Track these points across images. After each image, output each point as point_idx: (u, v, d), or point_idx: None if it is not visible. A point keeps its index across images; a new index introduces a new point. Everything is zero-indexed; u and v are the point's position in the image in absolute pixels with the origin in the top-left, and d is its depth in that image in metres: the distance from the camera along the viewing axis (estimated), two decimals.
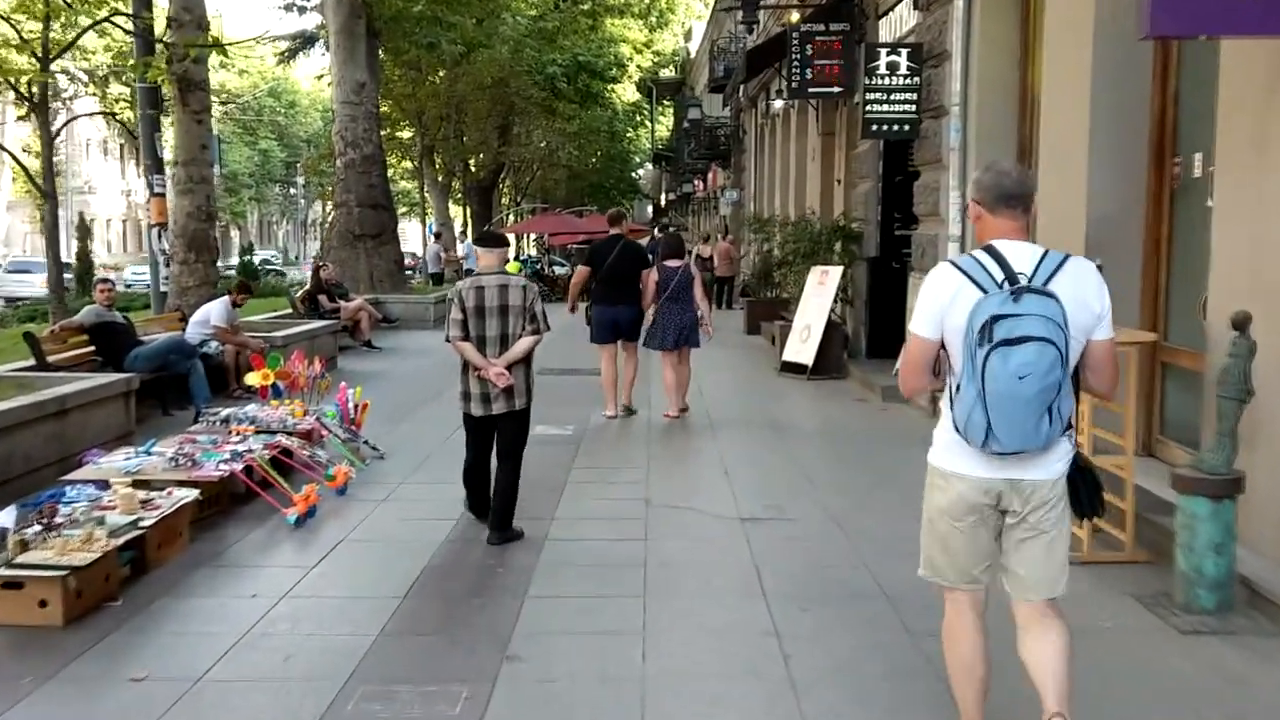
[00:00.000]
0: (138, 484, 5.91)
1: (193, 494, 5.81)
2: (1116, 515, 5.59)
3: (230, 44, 13.73)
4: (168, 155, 17.07)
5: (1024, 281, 2.97)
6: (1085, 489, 3.18)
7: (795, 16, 16.18)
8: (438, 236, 31.42)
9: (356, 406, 8.43)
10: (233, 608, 4.86)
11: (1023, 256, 3.04)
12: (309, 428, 7.70)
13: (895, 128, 10.16)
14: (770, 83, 23.77)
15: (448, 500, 6.73)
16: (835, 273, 12.78)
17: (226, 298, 11.10)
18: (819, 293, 12.92)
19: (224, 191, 71.44)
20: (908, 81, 10.04)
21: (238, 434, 7.28)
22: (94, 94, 61.49)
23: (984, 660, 3.27)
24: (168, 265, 13.13)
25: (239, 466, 6.37)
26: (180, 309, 11.69)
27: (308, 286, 15.69)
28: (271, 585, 5.16)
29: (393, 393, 11.42)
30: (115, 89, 61.64)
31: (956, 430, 3.06)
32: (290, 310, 14.96)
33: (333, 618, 4.76)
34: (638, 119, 58.61)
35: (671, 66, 58.54)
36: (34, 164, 56.54)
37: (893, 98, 10.08)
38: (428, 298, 19.66)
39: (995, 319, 2.91)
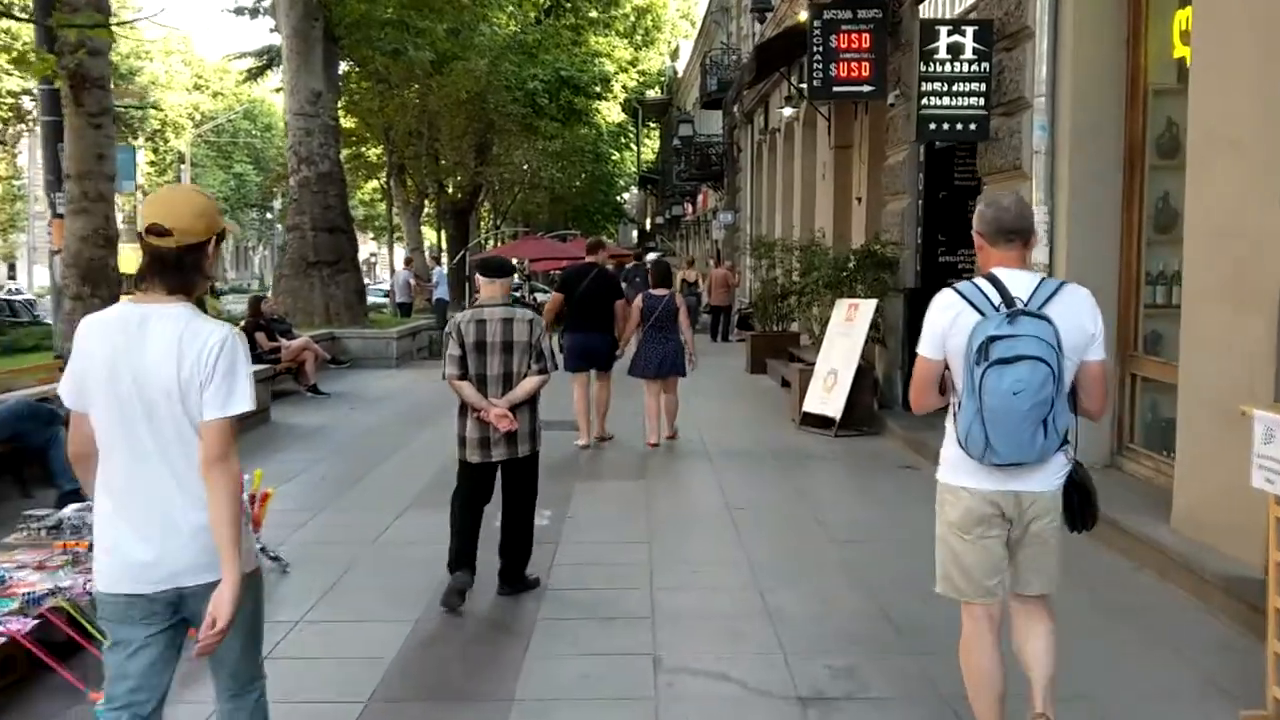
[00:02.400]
0: None
1: None
2: None
3: (117, 24, 11.49)
4: None
5: (1020, 306, 3.18)
6: (1079, 502, 3.38)
7: (803, 16, 14.21)
8: (408, 263, 29.24)
9: (254, 498, 6.21)
10: None
11: (1020, 283, 3.25)
12: None
13: (958, 127, 8.06)
14: (771, 95, 21.77)
15: (358, 656, 4.57)
16: (867, 307, 10.64)
17: None
18: (846, 330, 10.78)
19: None
20: (974, 69, 7.95)
21: (63, 551, 5.07)
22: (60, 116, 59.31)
23: (1001, 675, 3.36)
24: None
25: (24, 626, 4.13)
26: (64, 355, 9.46)
27: (242, 323, 13.46)
28: None
29: (327, 459, 9.20)
30: None
31: (960, 445, 3.27)
32: None
33: None
34: (623, 140, 56.83)
35: (658, 87, 56.82)
36: None
37: (955, 89, 7.99)
38: (390, 332, 17.45)
39: (992, 339, 3.13)
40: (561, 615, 5.18)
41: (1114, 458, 7.21)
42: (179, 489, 2.70)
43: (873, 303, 10.60)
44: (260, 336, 13.11)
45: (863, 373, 10.59)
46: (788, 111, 17.25)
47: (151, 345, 2.67)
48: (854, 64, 10.59)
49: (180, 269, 2.71)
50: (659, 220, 53.92)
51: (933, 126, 8.04)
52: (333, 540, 6.55)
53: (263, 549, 5.89)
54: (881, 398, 11.01)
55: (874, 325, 10.72)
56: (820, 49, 10.50)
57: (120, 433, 2.70)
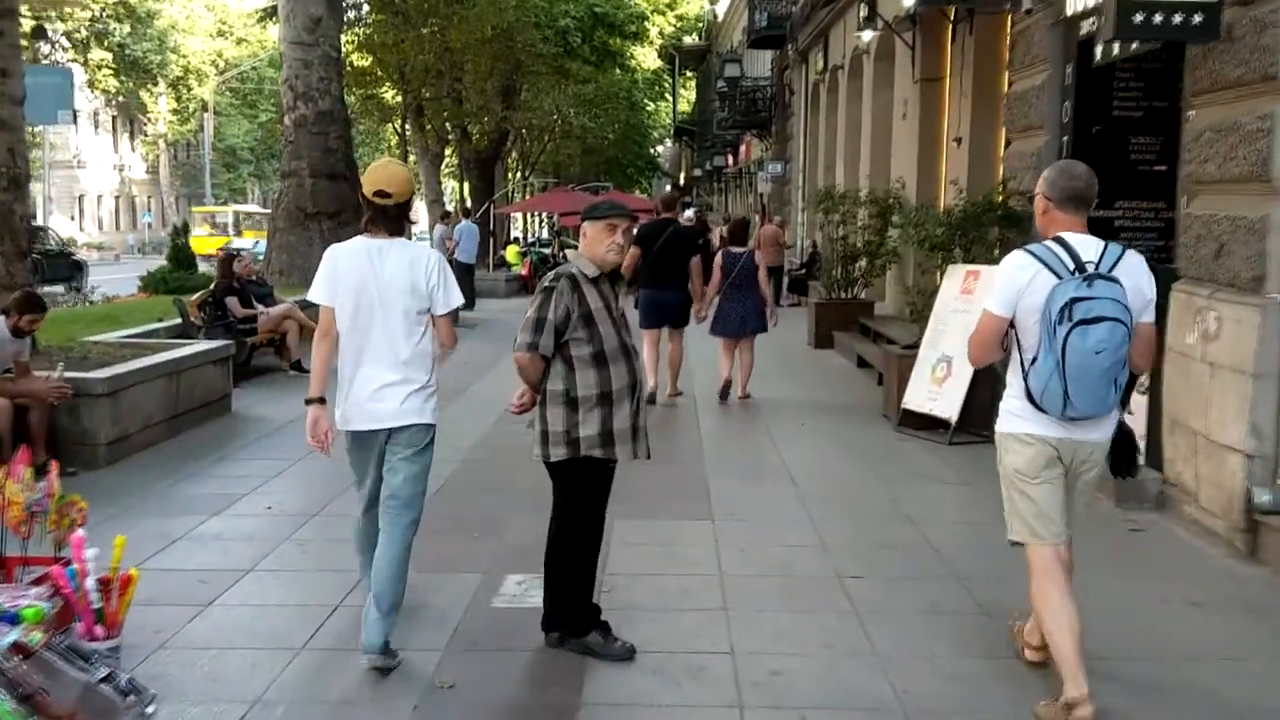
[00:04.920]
0: None
1: None
2: None
3: None
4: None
5: (1091, 270, 3.36)
6: (1125, 452, 3.66)
7: None
8: (445, 217, 26.70)
9: (107, 585, 3.94)
10: None
11: (1088, 247, 3.43)
12: None
13: (1174, 20, 5.54)
14: (831, 28, 19.16)
15: None
16: (993, 275, 8.18)
17: (0, 320, 6.62)
18: (965, 305, 8.34)
19: (222, 167, 67.31)
20: None
21: None
22: (75, 59, 57.41)
23: (1076, 612, 3.51)
24: None
25: None
26: None
27: (212, 285, 11.19)
28: None
29: (283, 476, 6.89)
30: (97, 54, 57.57)
31: (1030, 399, 3.46)
32: (180, 321, 10.42)
33: None
34: (658, 89, 54.08)
35: (696, 33, 54.03)
36: None
37: None
38: None
39: (1074, 301, 3.29)
40: None
41: None
42: (395, 360, 3.98)
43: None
44: (232, 302, 10.83)
45: None
46: (867, 35, 14.63)
47: (390, 265, 3.97)
48: None
49: (398, 218, 4.07)
50: (696, 173, 51.21)
51: (1138, 18, 5.51)
52: (243, 642, 4.27)
53: (107, 678, 3.63)
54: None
55: None
56: None
57: (361, 322, 3.97)
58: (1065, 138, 8.10)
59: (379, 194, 3.98)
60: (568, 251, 3.85)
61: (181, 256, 17.53)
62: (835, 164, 19.53)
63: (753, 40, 25.81)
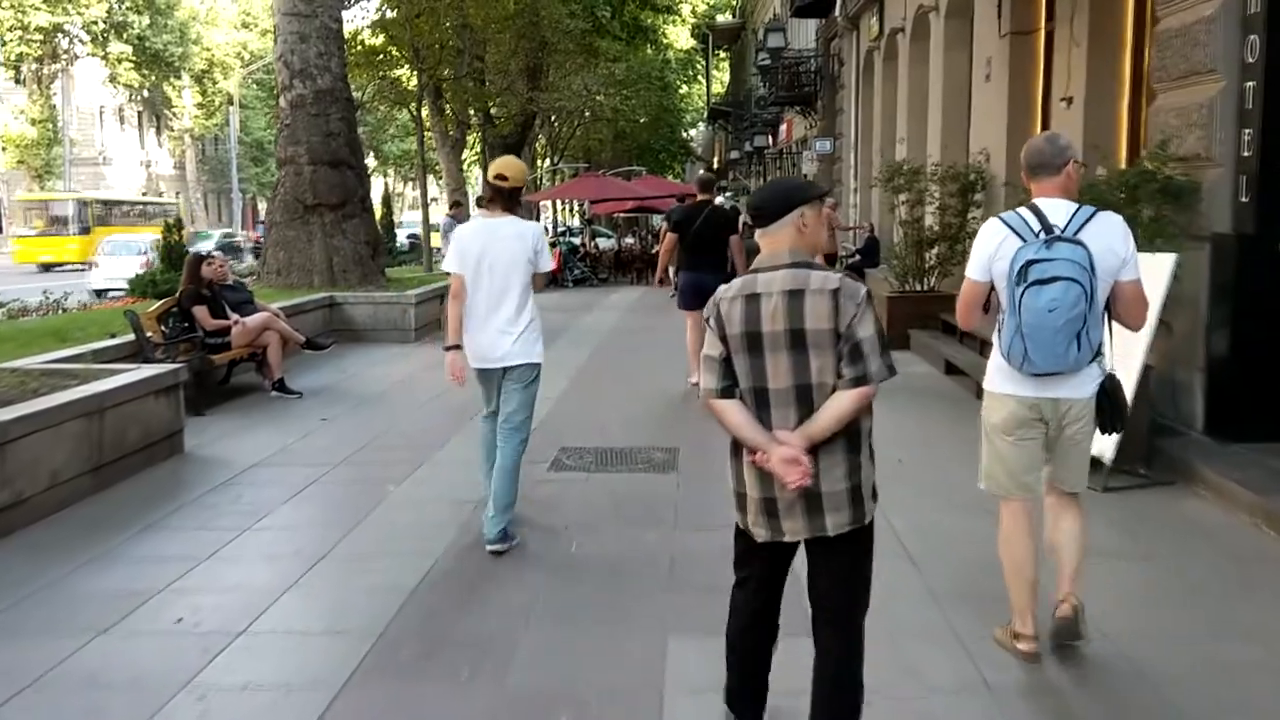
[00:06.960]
0: None
1: None
2: None
3: None
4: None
5: (1057, 233, 3.50)
6: (1111, 409, 3.72)
7: None
8: (455, 206, 25.04)
9: None
10: None
11: (1059, 211, 3.57)
12: None
13: None
14: None
15: None
16: (1157, 266, 6.25)
17: None
18: None
19: (249, 161, 66.14)
20: None
21: None
22: (94, 54, 56.16)
23: (1034, 563, 3.81)
24: None
25: None
26: None
27: (177, 293, 9.42)
28: None
29: (215, 565, 5.10)
30: (116, 46, 56.34)
31: (1003, 357, 3.64)
32: (134, 337, 8.65)
33: None
34: (690, 72, 52.23)
35: (729, 11, 52.10)
36: (29, 133, 51.19)
37: None
38: (407, 296, 13.37)
39: (1030, 263, 3.47)
40: None
41: None
42: (507, 313, 5.06)
43: (1169, 259, 6.16)
44: (200, 312, 9.08)
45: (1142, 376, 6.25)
46: None
47: (503, 236, 5.06)
48: None
49: (511, 199, 5.11)
50: (733, 155, 49.16)
51: None
52: None
53: None
54: (1156, 414, 6.65)
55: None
56: None
57: (483, 284, 5.06)
58: (1251, 83, 6.16)
59: (498, 177, 5.07)
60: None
61: (174, 255, 15.87)
62: (895, 138, 17.55)
63: (796, 9, 23.77)
